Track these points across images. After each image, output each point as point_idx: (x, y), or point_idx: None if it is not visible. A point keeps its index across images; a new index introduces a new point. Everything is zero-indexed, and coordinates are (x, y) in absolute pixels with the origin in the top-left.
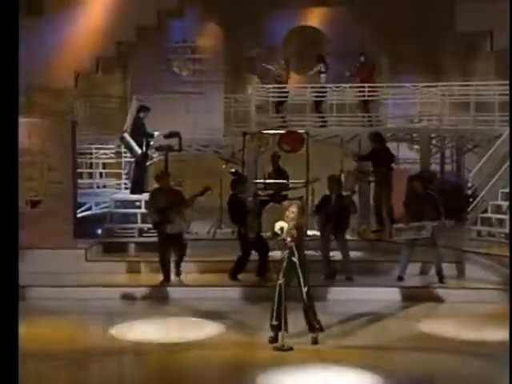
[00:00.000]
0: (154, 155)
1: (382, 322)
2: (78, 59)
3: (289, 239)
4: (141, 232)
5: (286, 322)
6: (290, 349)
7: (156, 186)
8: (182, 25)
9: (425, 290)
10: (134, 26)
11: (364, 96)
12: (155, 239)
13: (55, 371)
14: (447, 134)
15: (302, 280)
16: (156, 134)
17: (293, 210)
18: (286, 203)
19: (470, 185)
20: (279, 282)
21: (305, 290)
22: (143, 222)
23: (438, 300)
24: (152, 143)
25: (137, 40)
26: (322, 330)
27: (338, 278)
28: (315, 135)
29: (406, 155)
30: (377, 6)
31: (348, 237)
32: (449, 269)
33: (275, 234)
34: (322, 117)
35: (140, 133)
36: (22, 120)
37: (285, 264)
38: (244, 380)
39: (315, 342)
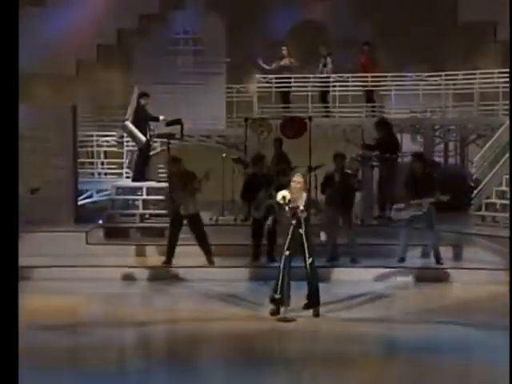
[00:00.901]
0: (156, 144)
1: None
2: (79, 46)
3: (301, 208)
4: (142, 218)
5: (289, 295)
6: (293, 320)
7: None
8: (184, 15)
9: (425, 271)
10: (136, 15)
11: (367, 86)
12: (156, 225)
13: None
14: (450, 123)
15: (306, 251)
16: (161, 117)
17: (298, 180)
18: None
19: (473, 175)
20: (285, 254)
21: (309, 261)
22: (144, 208)
23: (438, 280)
24: (154, 131)
25: (138, 29)
26: (318, 304)
27: (342, 260)
28: (318, 125)
29: (410, 147)
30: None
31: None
32: (449, 251)
33: (278, 204)
34: (327, 107)
35: (143, 120)
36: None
37: (290, 235)
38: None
39: (317, 314)
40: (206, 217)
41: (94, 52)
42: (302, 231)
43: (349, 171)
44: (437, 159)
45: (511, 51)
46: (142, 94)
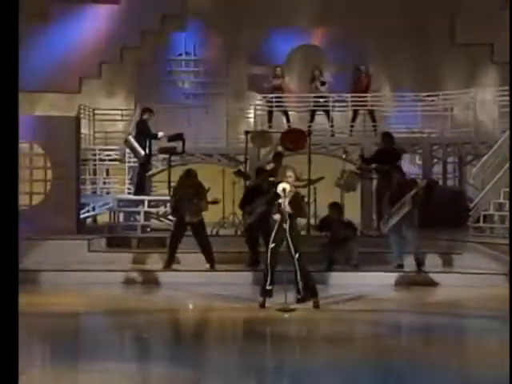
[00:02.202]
0: (157, 164)
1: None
2: (82, 64)
3: (287, 202)
4: (143, 229)
5: (297, 284)
6: (293, 310)
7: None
8: (185, 36)
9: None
10: (139, 32)
11: (367, 106)
12: (157, 235)
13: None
14: (449, 142)
15: (291, 246)
16: (160, 134)
17: (290, 174)
18: (282, 167)
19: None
20: (270, 246)
21: (296, 256)
22: (146, 219)
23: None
24: (155, 145)
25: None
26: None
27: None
28: (318, 143)
29: (409, 170)
30: (376, 21)
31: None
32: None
33: (278, 196)
34: (332, 126)
35: (144, 135)
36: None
37: (275, 229)
38: None
39: (317, 306)
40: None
41: (97, 69)
42: (285, 226)
43: (346, 220)
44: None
45: (511, 53)
46: (146, 110)
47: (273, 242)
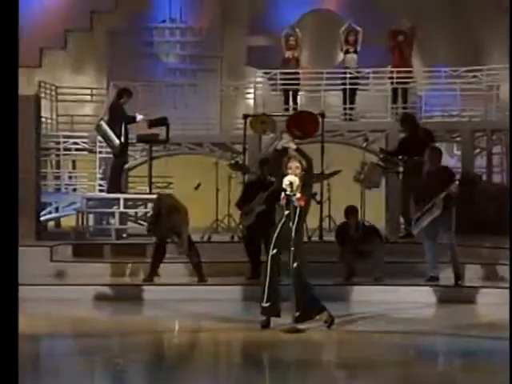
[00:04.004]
0: (135, 155)
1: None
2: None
3: (297, 196)
4: (118, 234)
5: (297, 302)
6: (301, 331)
7: None
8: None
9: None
10: None
11: (401, 83)
12: (135, 241)
13: None
14: (494, 127)
15: (291, 252)
16: (139, 118)
17: (296, 165)
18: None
19: None
20: (271, 253)
21: (294, 264)
22: (121, 222)
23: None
24: (132, 132)
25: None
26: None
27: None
28: (334, 130)
29: (446, 163)
30: None
31: None
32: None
33: (284, 191)
34: (351, 108)
35: (119, 119)
36: None
37: (278, 229)
38: None
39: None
40: (196, 235)
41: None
42: (292, 226)
43: (368, 224)
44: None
45: (511, 50)
46: (123, 92)
47: (274, 248)
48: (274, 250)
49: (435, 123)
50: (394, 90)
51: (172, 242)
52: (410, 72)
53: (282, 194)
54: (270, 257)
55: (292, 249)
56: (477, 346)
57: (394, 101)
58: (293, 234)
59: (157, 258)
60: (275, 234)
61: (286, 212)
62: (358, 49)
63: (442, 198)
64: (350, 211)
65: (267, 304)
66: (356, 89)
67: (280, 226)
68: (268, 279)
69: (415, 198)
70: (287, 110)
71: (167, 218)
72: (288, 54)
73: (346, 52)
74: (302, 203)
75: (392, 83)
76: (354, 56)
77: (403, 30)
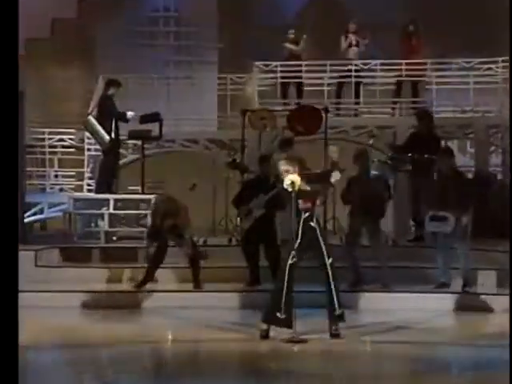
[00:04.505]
0: (127, 152)
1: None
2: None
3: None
4: (108, 236)
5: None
6: (304, 341)
7: None
8: None
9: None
10: None
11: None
12: (126, 245)
13: None
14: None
15: (324, 249)
16: (130, 114)
17: (286, 168)
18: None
19: None
20: (289, 261)
21: (329, 261)
22: (111, 225)
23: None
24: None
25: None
26: (343, 318)
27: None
28: (337, 126)
29: (458, 161)
30: None
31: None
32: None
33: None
34: (356, 103)
35: (109, 115)
36: None
37: (300, 234)
38: None
39: (336, 334)
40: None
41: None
42: (314, 225)
43: (376, 172)
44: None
45: (511, 49)
46: (111, 82)
47: (294, 257)
48: (294, 259)
49: (447, 119)
50: (399, 84)
51: (174, 245)
52: (421, 64)
53: (300, 202)
54: (288, 265)
55: (322, 246)
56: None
57: (398, 94)
58: (317, 231)
59: (155, 262)
60: (297, 241)
61: (305, 214)
62: (365, 42)
63: (455, 219)
64: (358, 155)
65: (284, 316)
66: (360, 82)
67: (301, 229)
68: (286, 289)
69: (426, 200)
70: (285, 104)
71: (168, 220)
72: (290, 48)
73: (349, 46)
74: (309, 205)
75: (400, 76)
76: (357, 49)
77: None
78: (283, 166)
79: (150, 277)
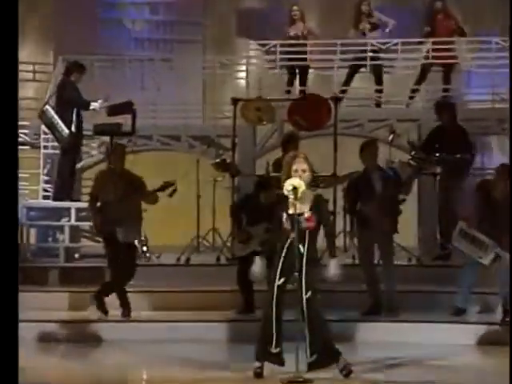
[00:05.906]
0: (92, 151)
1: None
2: None
3: (306, 214)
4: (68, 254)
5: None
6: (308, 382)
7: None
8: None
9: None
10: None
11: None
12: (91, 264)
13: None
14: None
15: (303, 280)
16: (96, 104)
17: (302, 168)
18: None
19: None
20: (277, 283)
21: (307, 295)
22: (73, 239)
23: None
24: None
25: None
26: (315, 367)
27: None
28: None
29: (494, 161)
30: None
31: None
32: None
33: (286, 197)
34: (379, 91)
35: (70, 104)
36: None
37: (284, 254)
38: None
39: (346, 373)
40: (171, 256)
41: None
42: (303, 249)
43: (387, 167)
44: None
45: (511, 47)
46: (73, 66)
47: (281, 277)
48: (281, 280)
49: (483, 110)
50: (424, 67)
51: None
52: (452, 43)
53: (284, 215)
54: (275, 287)
55: (303, 276)
56: None
57: (420, 81)
58: (304, 258)
59: (119, 288)
60: (281, 260)
61: (293, 235)
62: (391, 23)
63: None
64: (365, 145)
65: (277, 350)
66: (381, 65)
67: (286, 248)
68: (275, 316)
69: (462, 214)
70: (289, 92)
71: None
72: (293, 29)
73: (363, 34)
74: (312, 225)
75: (427, 57)
76: (371, 33)
77: None
78: (298, 164)
79: (125, 301)
